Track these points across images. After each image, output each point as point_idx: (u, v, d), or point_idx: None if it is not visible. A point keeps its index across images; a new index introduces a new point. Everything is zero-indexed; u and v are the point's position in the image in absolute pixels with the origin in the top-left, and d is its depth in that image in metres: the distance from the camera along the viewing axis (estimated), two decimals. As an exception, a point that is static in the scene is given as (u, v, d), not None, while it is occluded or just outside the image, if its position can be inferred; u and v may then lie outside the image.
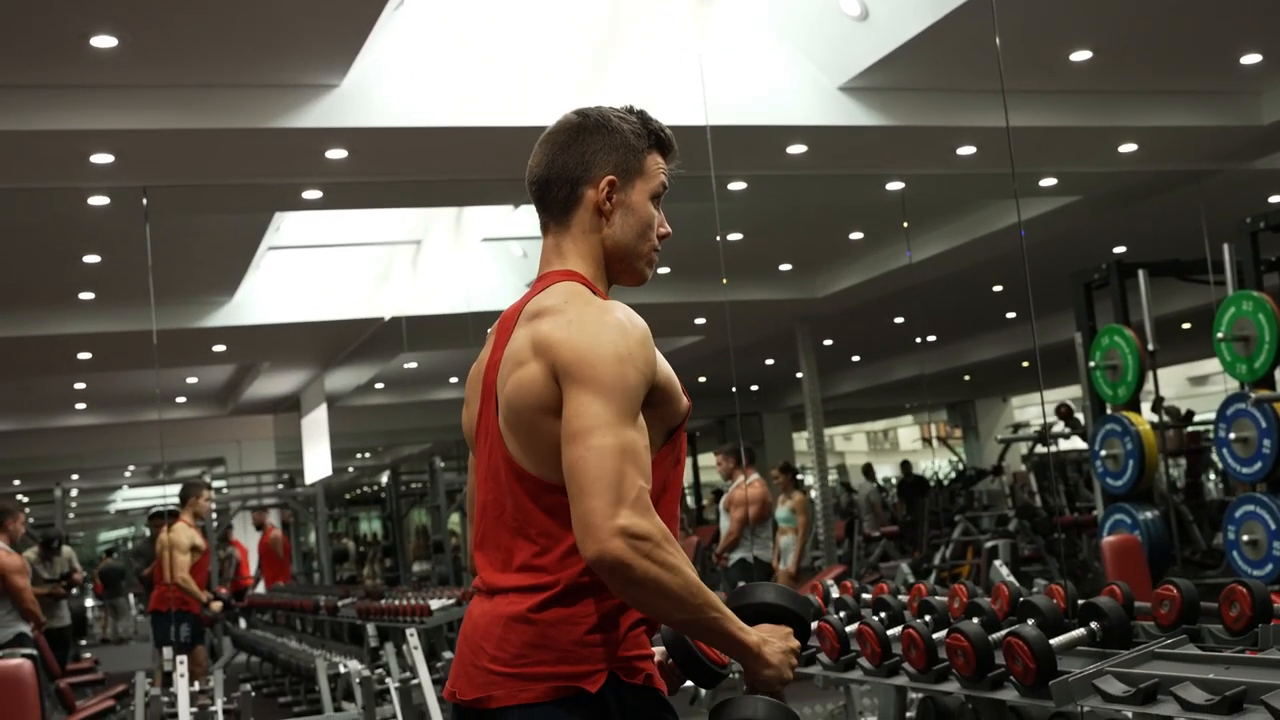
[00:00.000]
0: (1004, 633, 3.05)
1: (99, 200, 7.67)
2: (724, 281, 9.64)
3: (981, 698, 3.14)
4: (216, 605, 9.52)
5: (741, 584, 2.66)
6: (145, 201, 7.56)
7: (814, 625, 3.83)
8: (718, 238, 7.83)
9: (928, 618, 3.60)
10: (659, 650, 2.15)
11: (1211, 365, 20.32)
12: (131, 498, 29.05)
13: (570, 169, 2.08)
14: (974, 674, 3.08)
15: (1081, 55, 7.20)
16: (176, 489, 9.44)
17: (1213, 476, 14.06)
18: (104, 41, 5.84)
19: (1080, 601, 3.38)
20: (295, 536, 19.09)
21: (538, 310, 2.01)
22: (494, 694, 1.94)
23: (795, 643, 2.07)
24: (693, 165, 7.04)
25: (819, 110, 7.39)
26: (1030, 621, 3.15)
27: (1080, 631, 3.09)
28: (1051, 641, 2.95)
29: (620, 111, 2.13)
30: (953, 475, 18.90)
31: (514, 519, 2.00)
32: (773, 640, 2.03)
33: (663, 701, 2.02)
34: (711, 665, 2.14)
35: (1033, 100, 7.58)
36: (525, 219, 10.09)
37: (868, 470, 19.48)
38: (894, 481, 22.87)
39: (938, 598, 3.76)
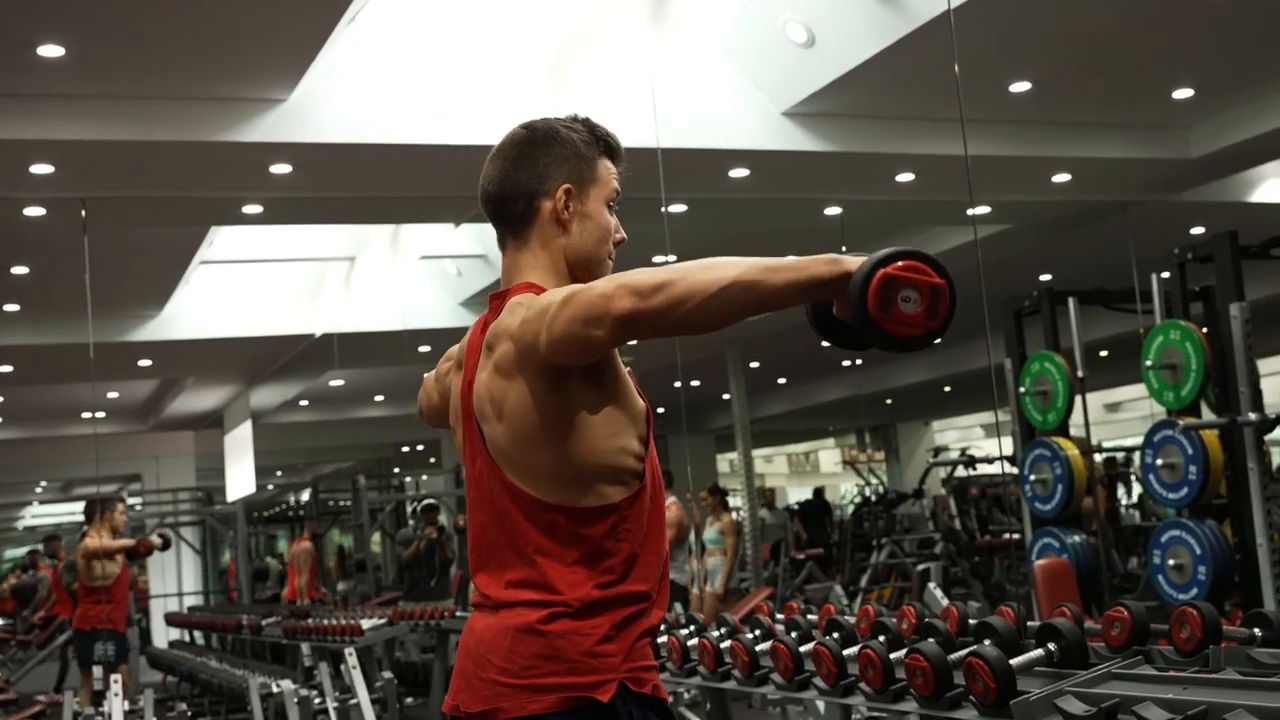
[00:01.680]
0: (963, 653, 3.09)
1: (35, 211, 7.54)
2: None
3: (940, 718, 3.18)
4: (155, 539, 9.34)
5: None
6: (84, 213, 7.46)
7: (768, 645, 3.88)
8: (667, 258, 7.86)
9: (882, 638, 3.65)
10: None
11: (1125, 393, 20.75)
12: (41, 514, 28.49)
13: (525, 183, 2.10)
14: (932, 694, 3.11)
15: (1021, 86, 7.35)
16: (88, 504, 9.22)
17: (1126, 502, 14.31)
18: (51, 51, 5.77)
19: (1030, 623, 3.45)
20: (212, 555, 18.84)
21: (493, 337, 2.03)
22: (503, 705, 1.95)
23: None
24: (641, 187, 7.08)
25: (762, 135, 7.46)
26: (987, 642, 3.20)
27: (1039, 652, 3.13)
28: (1010, 661, 3.00)
29: (566, 121, 2.15)
30: (859, 500, 19.06)
31: (511, 540, 2.01)
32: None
33: (668, 712, 2.04)
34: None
35: (972, 129, 7.70)
36: (464, 237, 10.07)
37: (769, 497, 19.54)
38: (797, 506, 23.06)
39: (889, 618, 3.81)
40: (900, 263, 1.85)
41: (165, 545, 9.50)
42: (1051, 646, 3.13)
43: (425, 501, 12.19)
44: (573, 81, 6.70)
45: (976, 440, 23.69)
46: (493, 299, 2.12)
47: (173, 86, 6.39)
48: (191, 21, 5.76)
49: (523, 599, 1.98)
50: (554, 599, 1.96)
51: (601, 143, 2.14)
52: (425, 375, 2.46)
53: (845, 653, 3.56)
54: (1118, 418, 22.68)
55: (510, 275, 2.13)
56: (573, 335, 1.87)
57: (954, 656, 3.15)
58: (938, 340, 1.89)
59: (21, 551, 32.15)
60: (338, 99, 6.76)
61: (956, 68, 5.51)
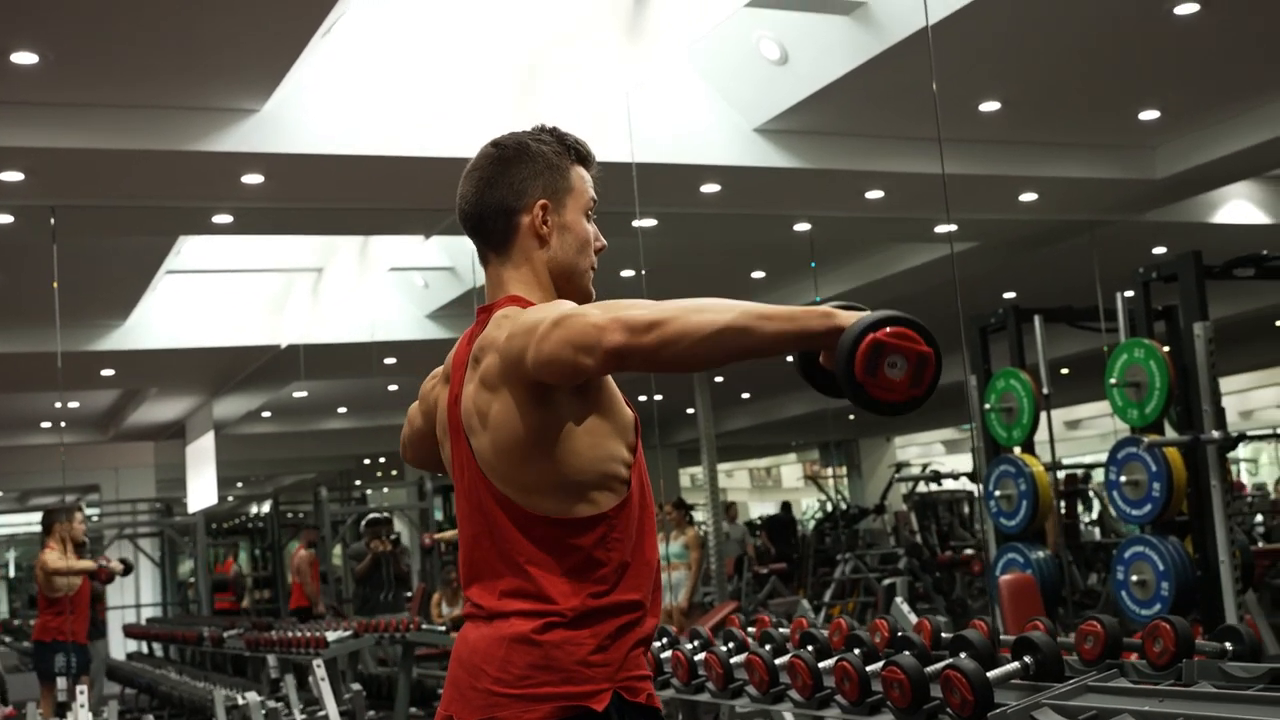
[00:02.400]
0: (940, 665, 3.12)
1: (3, 219, 7.49)
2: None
3: (916, 730, 3.20)
4: (117, 565, 9.24)
5: None
6: (53, 221, 7.41)
7: (743, 658, 3.90)
8: (640, 272, 7.88)
9: (857, 651, 3.67)
10: None
11: (1085, 410, 20.91)
12: (-2, 524, 28.16)
13: (502, 200, 2.11)
14: (909, 706, 3.13)
15: (990, 106, 7.43)
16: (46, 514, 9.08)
17: (1087, 519, 14.41)
18: (24, 59, 5.74)
19: (1002, 636, 3.48)
20: (172, 566, 18.69)
21: (479, 351, 2.05)
22: (498, 715, 1.96)
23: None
24: (613, 201, 7.10)
25: (734, 150, 7.51)
26: (963, 655, 3.23)
27: (1015, 665, 3.16)
28: (988, 674, 3.03)
29: (534, 134, 2.17)
30: (820, 515, 19.12)
31: (503, 552, 2.02)
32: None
33: None
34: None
35: (942, 147, 7.78)
36: (433, 249, 10.06)
37: (732, 512, 19.54)
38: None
39: (863, 631, 3.83)
40: (890, 329, 1.87)
41: (127, 570, 9.40)
42: (1027, 659, 3.15)
43: (369, 516, 12.13)
44: (547, 95, 6.71)
45: (938, 456, 23.84)
46: (480, 312, 2.14)
47: (145, 95, 6.37)
48: (166, 31, 5.74)
49: (516, 609, 1.99)
50: (548, 608, 1.97)
51: (572, 151, 2.16)
52: (409, 408, 2.46)
53: (820, 665, 3.57)
54: (1078, 435, 22.85)
55: (495, 289, 2.14)
56: (561, 359, 1.89)
57: (930, 669, 3.18)
58: (918, 407, 1.92)
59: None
60: (311, 110, 6.75)
61: (934, 86, 5.57)
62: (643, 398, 13.24)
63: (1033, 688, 3.03)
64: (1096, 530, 13.87)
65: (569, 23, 6.64)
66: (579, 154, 2.17)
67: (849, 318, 1.89)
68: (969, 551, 12.89)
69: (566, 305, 1.96)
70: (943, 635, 3.72)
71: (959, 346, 8.56)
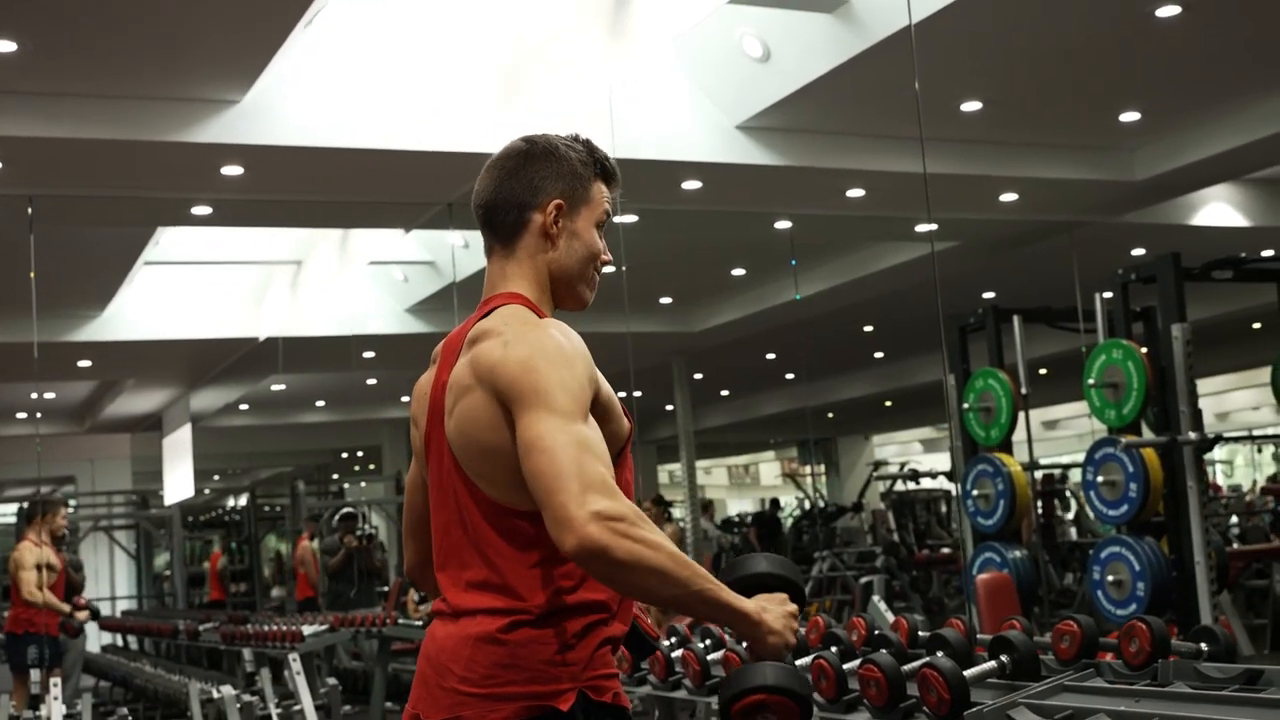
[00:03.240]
0: (917, 664, 3.12)
1: (-20, 207, 7.46)
2: (627, 312, 9.67)
3: (892, 728, 3.21)
4: (83, 614, 9.20)
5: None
6: (30, 210, 7.37)
7: (720, 655, 3.90)
8: (621, 268, 7.88)
9: (834, 649, 3.67)
10: None
11: (1062, 411, 20.99)
12: (-33, 515, 28.01)
13: (518, 194, 2.12)
14: (886, 705, 3.13)
15: (971, 105, 7.44)
16: (29, 505, 9.04)
17: (1066, 519, 14.48)
18: (3, 46, 5.69)
19: (980, 635, 3.48)
20: (147, 559, 18.62)
21: (477, 336, 2.04)
22: (463, 714, 1.95)
23: (794, 607, 2.05)
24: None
25: (716, 147, 7.50)
26: (940, 654, 3.24)
27: (992, 664, 3.16)
28: (964, 673, 3.04)
29: (567, 140, 2.18)
30: (799, 513, 19.13)
31: (472, 541, 2.02)
32: (771, 607, 2.01)
33: (629, 719, 2.05)
34: (646, 637, 2.21)
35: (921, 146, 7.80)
36: (412, 244, 10.03)
37: (708, 510, 19.50)
38: (749, 519, 23.08)
39: (840, 629, 3.83)
40: (779, 698, 2.00)
41: (95, 616, 9.38)
42: (1004, 658, 3.16)
43: (342, 511, 12.09)
44: (530, 91, 6.70)
45: (916, 455, 23.88)
46: (481, 305, 2.13)
47: (125, 86, 6.33)
48: (146, 21, 5.71)
49: (483, 606, 1.99)
50: (514, 605, 1.97)
51: (599, 165, 2.17)
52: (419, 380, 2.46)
53: (800, 663, 3.57)
54: (1055, 435, 22.95)
55: (494, 283, 2.14)
56: (526, 478, 1.90)
57: (907, 668, 3.18)
58: None
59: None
60: (292, 102, 6.72)
61: (917, 85, 5.58)
62: (621, 394, 13.20)
63: (1009, 687, 3.04)
64: (1073, 530, 13.94)
65: (552, 19, 6.63)
66: (605, 170, 2.18)
67: (766, 636, 2.00)
68: (946, 550, 12.93)
69: (568, 388, 1.93)
70: (920, 634, 3.72)
71: (939, 346, 8.60)
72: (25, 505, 9.02)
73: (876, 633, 3.67)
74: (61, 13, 5.57)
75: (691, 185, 7.93)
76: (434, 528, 2.11)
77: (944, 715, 2.96)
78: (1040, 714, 2.78)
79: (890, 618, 5.68)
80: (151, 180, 7.26)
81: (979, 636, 3.60)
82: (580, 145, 2.18)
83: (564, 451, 1.86)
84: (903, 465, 17.28)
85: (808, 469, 23.76)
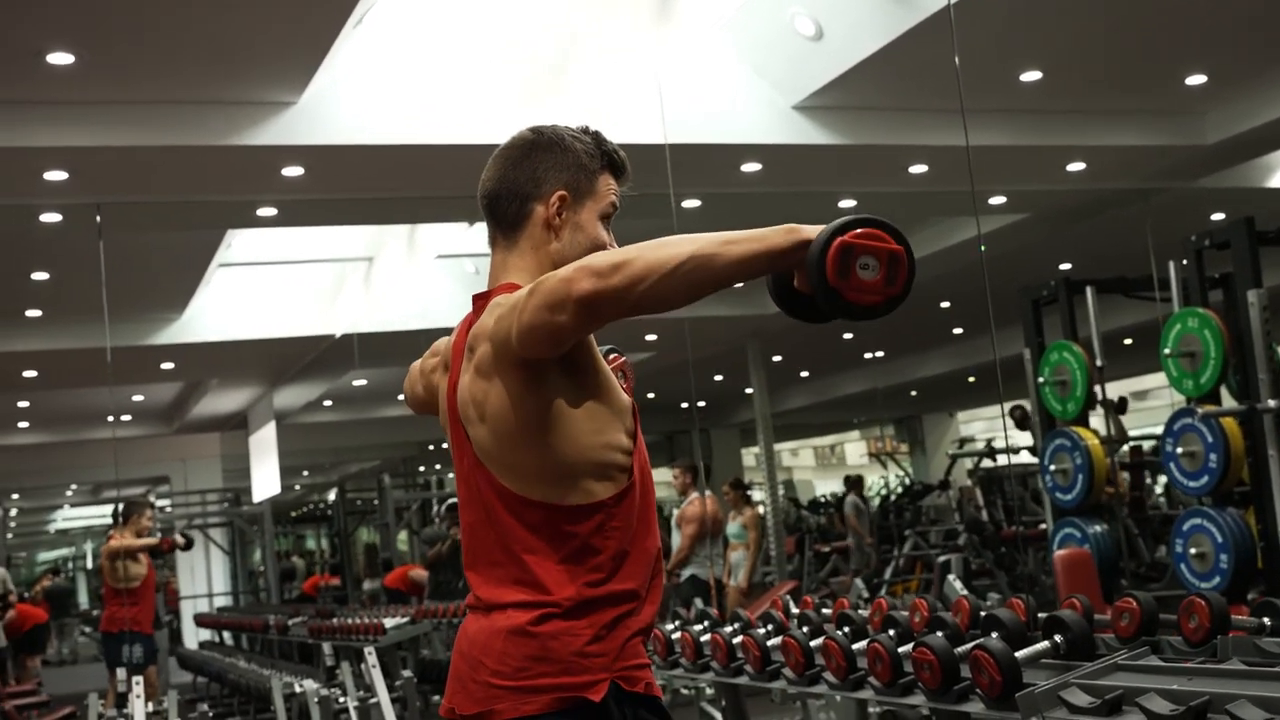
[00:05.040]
0: (969, 646, 3.09)
1: (51, 217, 7.59)
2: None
3: (947, 710, 3.18)
4: (178, 538, 9.41)
5: None
6: (99, 219, 7.50)
7: (779, 640, 3.88)
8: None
9: (891, 632, 3.65)
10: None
11: (1151, 381, 20.60)
12: (72, 517, 28.74)
13: (521, 184, 2.11)
14: (940, 687, 3.12)
15: (1031, 75, 7.31)
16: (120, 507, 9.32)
17: (1157, 490, 14.23)
18: (61, 59, 5.80)
19: (1041, 615, 3.44)
20: (240, 555, 18.95)
21: (474, 339, 2.04)
22: (497, 708, 1.96)
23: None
24: (649, 183, 7.08)
25: (773, 129, 7.45)
26: (994, 635, 3.20)
27: (1045, 644, 3.13)
28: (1016, 654, 3.00)
29: (575, 131, 2.17)
30: (885, 492, 18.99)
31: (499, 538, 2.03)
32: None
33: (662, 710, 2.05)
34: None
35: (983, 119, 7.69)
36: (479, 236, 10.05)
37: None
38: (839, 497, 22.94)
39: (899, 612, 3.81)
40: (858, 230, 1.84)
41: (188, 545, 9.57)
42: (1058, 638, 3.13)
43: (450, 500, 12.13)
44: (579, 78, 6.70)
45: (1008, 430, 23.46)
46: (476, 300, 2.13)
47: (181, 91, 6.42)
48: (198, 26, 5.78)
49: (513, 600, 2.00)
50: (543, 599, 1.97)
51: (606, 158, 2.16)
52: (411, 365, 2.46)
53: (855, 647, 3.56)
54: (1145, 405, 22.55)
55: (496, 275, 2.14)
56: (538, 323, 1.87)
57: (961, 649, 3.15)
58: (897, 307, 1.90)
59: (55, 555, 32.47)
60: (347, 102, 6.78)
61: (956, 60, 5.50)
62: (718, 377, 13.15)
63: (1063, 667, 3.00)
64: (1164, 501, 13.70)
65: (599, 4, 6.62)
66: (612, 162, 2.17)
67: (814, 230, 1.87)
68: (1043, 526, 12.76)
69: (544, 275, 1.94)
70: (982, 614, 3.68)
71: (1018, 320, 8.50)
72: (118, 507, 9.30)
73: (936, 614, 3.64)
74: (115, 23, 5.67)
75: (751, 168, 7.88)
76: (462, 527, 2.12)
77: (996, 697, 2.95)
78: (1092, 694, 2.74)
79: (973, 598, 5.63)
80: (215, 184, 7.36)
81: (1040, 616, 3.56)
82: (588, 137, 2.16)
83: (556, 271, 1.89)
84: (988, 442, 17.09)
85: (905, 446, 23.59)
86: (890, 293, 1.87)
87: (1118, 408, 11.26)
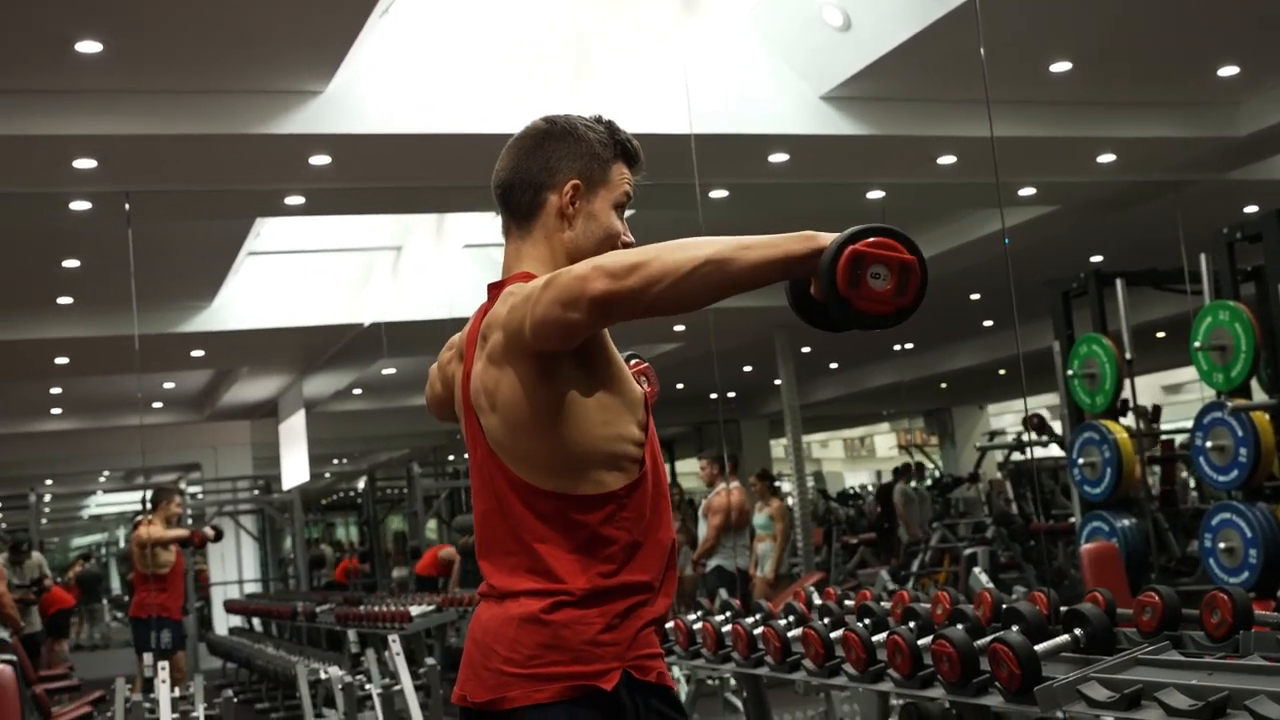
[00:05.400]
0: (989, 639, 3.07)
1: (81, 205, 7.65)
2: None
3: (966, 703, 3.16)
4: (209, 530, 9.47)
5: None
6: (128, 207, 7.55)
7: (799, 631, 3.87)
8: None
9: (911, 624, 3.64)
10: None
11: (1185, 374, 20.39)
12: (105, 503, 28.98)
13: (534, 174, 2.11)
14: (959, 680, 3.10)
15: (1061, 66, 7.26)
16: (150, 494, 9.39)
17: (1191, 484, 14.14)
18: (89, 47, 5.83)
19: (1063, 608, 3.42)
20: (271, 543, 19.06)
21: (487, 328, 2.04)
22: (508, 695, 1.97)
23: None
24: (675, 173, 7.06)
25: (801, 119, 7.43)
26: (1014, 628, 3.18)
27: (1064, 638, 3.11)
28: (1036, 647, 2.98)
29: (588, 120, 2.16)
30: (929, 483, 18.90)
31: (512, 527, 2.03)
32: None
33: (674, 699, 2.05)
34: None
35: (1013, 110, 7.64)
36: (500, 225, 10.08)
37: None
38: (870, 488, 22.88)
39: (921, 604, 3.79)
40: (870, 239, 1.84)
41: (218, 536, 9.63)
42: (1078, 632, 3.11)
43: None
44: (605, 67, 6.69)
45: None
46: (491, 289, 2.13)
47: (209, 80, 6.45)
48: (225, 15, 5.80)
49: (526, 588, 2.00)
50: (556, 587, 1.97)
51: (619, 146, 2.15)
52: (430, 368, 2.46)
53: (875, 639, 3.54)
54: (1178, 399, 22.39)
55: (510, 265, 2.14)
56: (551, 318, 1.87)
57: (981, 642, 3.13)
58: (908, 318, 1.89)
59: (88, 540, 32.75)
60: (373, 91, 6.80)
61: (981, 50, 5.46)
62: (748, 368, 13.05)
63: (1083, 661, 2.98)
64: (1195, 495, 13.61)
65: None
66: (626, 150, 2.16)
67: (830, 238, 1.86)
68: (1073, 519, 12.69)
69: (559, 269, 1.94)
70: (1003, 607, 3.67)
71: (1048, 313, 8.45)
72: (149, 493, 9.36)
73: (956, 607, 3.62)
74: (143, 12, 5.70)
75: (778, 158, 7.86)
76: (475, 516, 2.12)
77: (1015, 690, 2.93)
78: (1111, 688, 2.72)
79: (995, 591, 5.61)
80: (242, 173, 7.40)
81: (1062, 609, 3.54)
82: (602, 126, 2.16)
83: (571, 266, 1.90)
84: (1018, 435, 16.98)
85: (935, 439, 23.49)
86: (901, 303, 1.87)
87: (1151, 416, 11.20)
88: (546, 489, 1.98)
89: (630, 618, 1.99)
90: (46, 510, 26.89)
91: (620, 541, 2.00)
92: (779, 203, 9.42)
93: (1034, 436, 11.35)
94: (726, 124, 7.33)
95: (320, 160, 7.13)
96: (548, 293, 1.87)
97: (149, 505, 9.16)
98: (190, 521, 15.71)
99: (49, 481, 22.78)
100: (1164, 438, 12.20)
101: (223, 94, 6.56)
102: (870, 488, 23.06)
